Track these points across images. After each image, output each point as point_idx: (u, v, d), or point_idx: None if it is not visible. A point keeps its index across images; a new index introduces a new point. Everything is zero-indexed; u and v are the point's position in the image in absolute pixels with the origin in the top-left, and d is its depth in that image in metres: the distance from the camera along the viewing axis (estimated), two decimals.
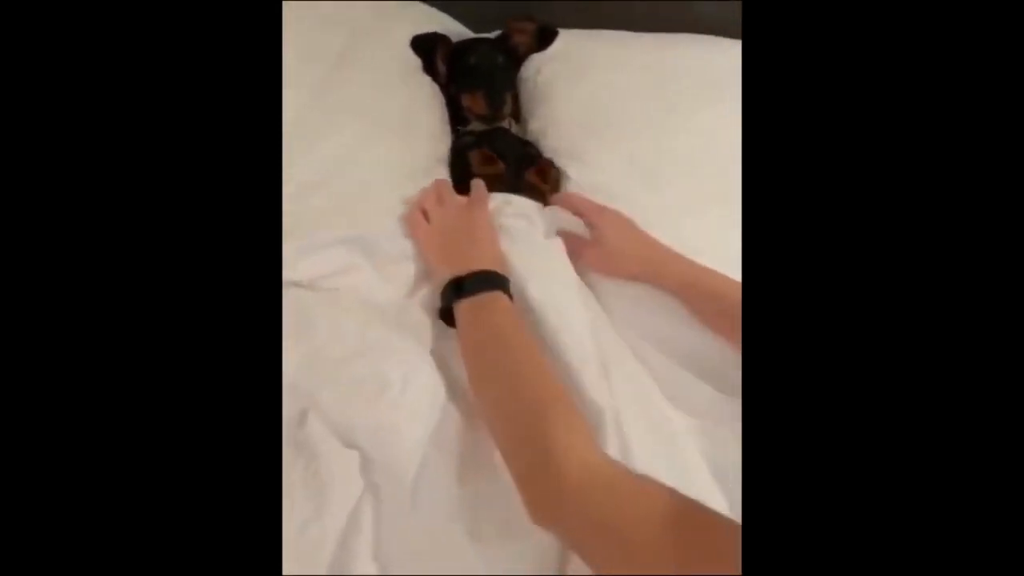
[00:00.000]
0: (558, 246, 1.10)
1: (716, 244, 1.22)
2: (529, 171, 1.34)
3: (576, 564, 0.74)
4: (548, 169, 1.35)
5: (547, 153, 1.41)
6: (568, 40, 1.50)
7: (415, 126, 1.33)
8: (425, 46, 1.44)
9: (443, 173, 1.32)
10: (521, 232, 1.08)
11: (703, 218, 1.28)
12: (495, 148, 1.38)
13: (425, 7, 1.57)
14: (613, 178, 1.31)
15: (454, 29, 1.57)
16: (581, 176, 1.32)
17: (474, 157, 1.35)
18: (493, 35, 1.54)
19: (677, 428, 0.94)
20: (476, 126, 1.45)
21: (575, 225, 1.16)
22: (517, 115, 1.51)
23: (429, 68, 1.44)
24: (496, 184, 1.24)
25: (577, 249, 1.12)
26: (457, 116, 1.47)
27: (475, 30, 1.59)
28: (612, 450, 0.83)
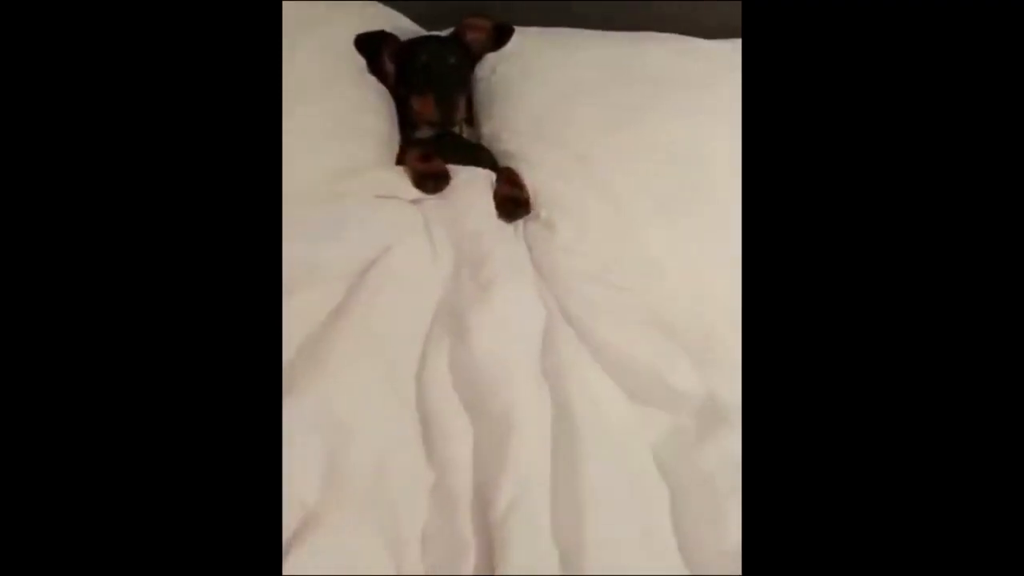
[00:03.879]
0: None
1: (680, 256, 1.19)
2: (499, 184, 1.26)
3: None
4: (517, 177, 1.27)
5: (499, 158, 1.35)
6: (524, 38, 1.45)
7: (358, 131, 1.25)
8: (370, 45, 1.36)
9: (389, 180, 1.24)
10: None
11: (664, 229, 1.23)
12: (445, 155, 1.30)
13: (372, 2, 1.50)
14: (563, 185, 1.25)
15: (404, 27, 1.50)
16: (530, 180, 1.27)
17: (411, 156, 1.27)
18: (446, 33, 1.48)
19: (622, 415, 0.93)
20: (426, 132, 1.38)
21: None
22: (471, 118, 1.43)
23: (375, 68, 1.36)
24: (434, 184, 1.20)
25: None
26: (407, 120, 1.39)
27: (427, 28, 1.52)
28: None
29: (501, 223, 1.23)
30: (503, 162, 1.34)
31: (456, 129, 1.40)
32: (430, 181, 1.21)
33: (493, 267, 1.11)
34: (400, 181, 1.23)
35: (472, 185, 1.25)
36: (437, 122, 1.34)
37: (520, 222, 1.25)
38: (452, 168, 1.26)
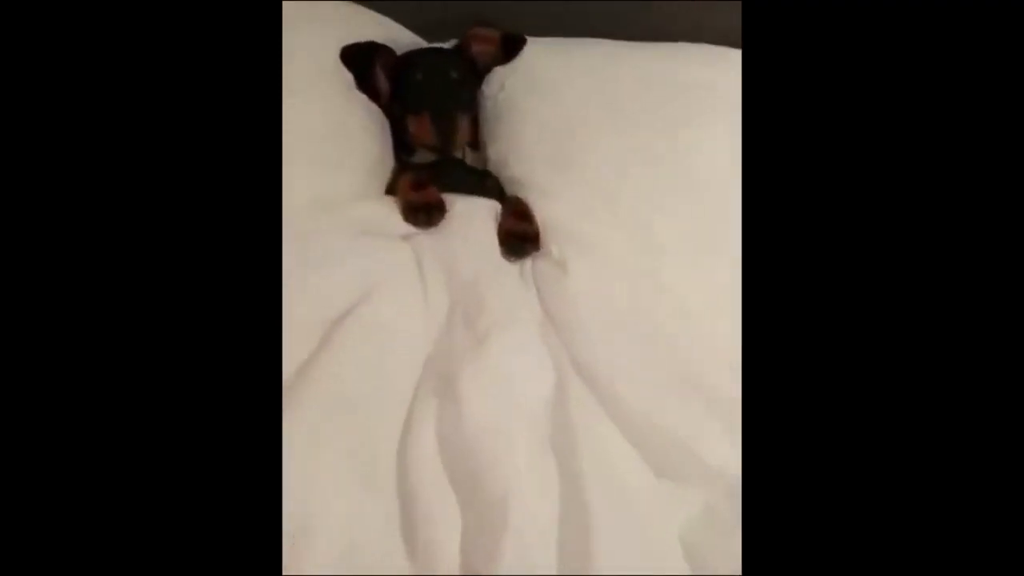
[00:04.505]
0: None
1: (714, 302, 1.06)
2: (505, 216, 1.12)
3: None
4: (525, 208, 1.14)
5: (507, 186, 1.21)
6: (537, 50, 1.30)
7: (341, 156, 1.10)
8: (359, 58, 1.21)
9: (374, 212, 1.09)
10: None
11: (696, 270, 1.10)
12: (443, 183, 1.15)
13: (362, 8, 1.35)
14: (579, 218, 1.11)
15: (402, 38, 1.35)
16: (541, 212, 1.13)
17: (401, 184, 1.13)
18: (449, 45, 1.33)
19: (645, 496, 0.82)
20: (424, 156, 1.23)
21: None
22: (476, 142, 1.28)
23: (364, 85, 1.22)
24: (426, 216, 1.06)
25: None
26: (402, 144, 1.25)
27: (428, 40, 1.38)
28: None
29: (505, 262, 1.09)
30: (511, 191, 1.20)
31: (459, 154, 1.24)
32: (421, 213, 1.07)
33: (492, 315, 0.97)
34: (388, 213, 1.09)
35: (472, 217, 1.11)
36: (435, 146, 1.19)
37: (528, 261, 1.10)
38: (449, 198, 1.12)
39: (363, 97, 1.20)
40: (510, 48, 1.28)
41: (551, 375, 0.92)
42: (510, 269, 1.07)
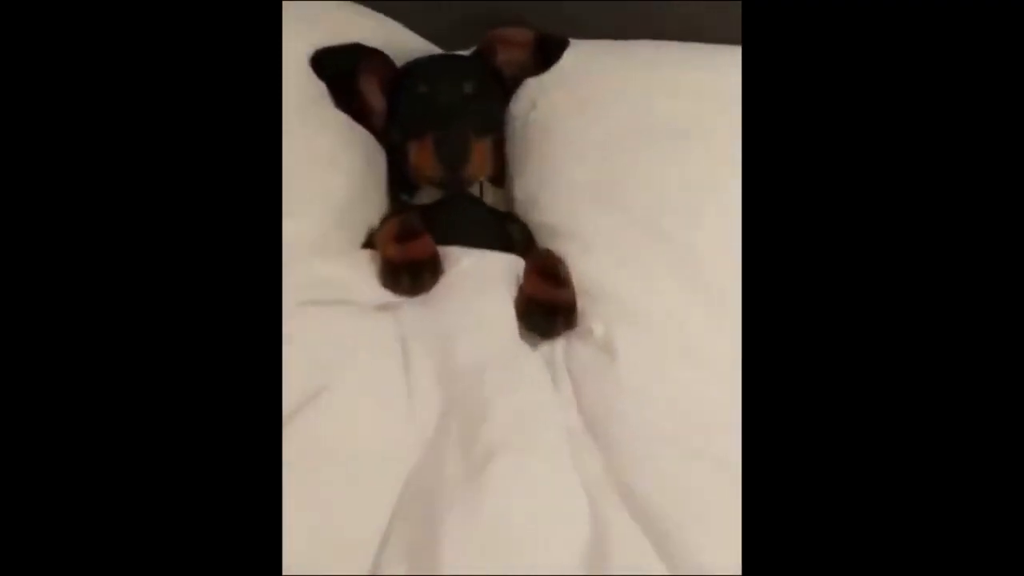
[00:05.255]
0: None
1: None
2: (528, 277, 0.85)
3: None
4: (558, 266, 0.85)
5: (537, 235, 0.94)
6: (580, 55, 1.03)
7: (297, 195, 0.82)
8: (337, 65, 0.96)
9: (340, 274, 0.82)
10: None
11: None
12: (447, 231, 0.87)
13: (362, 8, 1.09)
14: (633, 279, 0.85)
15: (408, 45, 1.08)
16: (581, 271, 0.86)
17: (383, 233, 0.87)
18: (468, 53, 1.06)
19: None
20: (429, 196, 0.95)
21: None
22: (498, 175, 1.00)
23: (344, 100, 0.96)
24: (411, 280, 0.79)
25: None
26: (403, 179, 0.98)
27: (445, 46, 1.11)
28: None
29: (526, 344, 0.80)
30: (542, 241, 0.93)
31: (476, 191, 0.97)
32: (404, 274, 0.79)
33: (500, 427, 0.68)
34: (359, 273, 0.81)
35: (483, 279, 0.83)
36: (440, 179, 0.92)
37: (559, 342, 0.81)
38: (454, 252, 0.84)
39: (338, 118, 0.94)
40: (546, 53, 1.01)
41: (585, 526, 0.62)
42: (532, 355, 0.78)
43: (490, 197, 0.98)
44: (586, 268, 0.85)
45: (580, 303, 0.83)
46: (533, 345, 0.79)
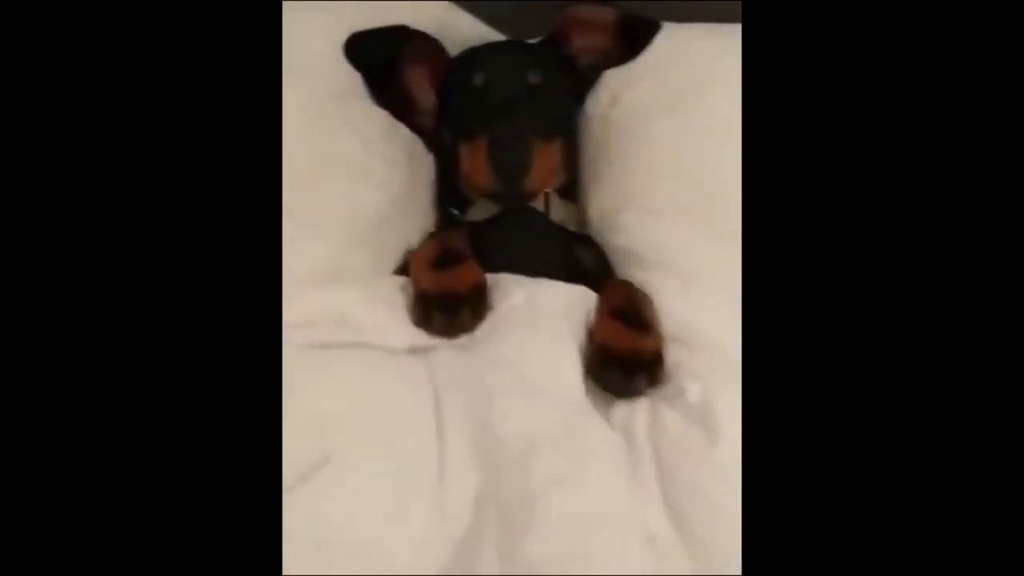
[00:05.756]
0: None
1: None
2: (602, 320, 0.67)
3: None
4: (642, 304, 0.69)
5: (615, 262, 0.77)
6: (672, 42, 0.87)
7: (336, 206, 0.71)
8: (377, 52, 0.81)
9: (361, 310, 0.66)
10: None
11: None
12: (503, 254, 0.71)
13: None
14: (736, 319, 0.63)
15: (466, 30, 0.93)
16: (668, 312, 0.70)
17: (419, 256, 0.72)
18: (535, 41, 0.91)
19: None
20: (482, 210, 0.80)
21: None
22: (570, 186, 0.84)
23: (385, 95, 0.81)
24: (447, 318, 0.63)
25: None
26: (453, 189, 0.83)
27: (509, 32, 0.95)
28: None
29: (594, 410, 0.61)
30: (622, 272, 0.77)
31: (540, 205, 0.80)
32: (437, 310, 0.63)
33: (550, 540, 0.52)
34: (390, 308, 0.65)
35: (538, 319, 0.65)
36: (495, 189, 0.75)
37: (641, 406, 0.62)
38: (507, 281, 0.68)
39: (375, 116, 0.79)
40: (631, 38, 0.85)
41: None
42: (602, 426, 0.59)
43: (557, 213, 0.81)
44: (679, 308, 0.68)
45: (670, 354, 0.64)
46: (605, 410, 0.60)
